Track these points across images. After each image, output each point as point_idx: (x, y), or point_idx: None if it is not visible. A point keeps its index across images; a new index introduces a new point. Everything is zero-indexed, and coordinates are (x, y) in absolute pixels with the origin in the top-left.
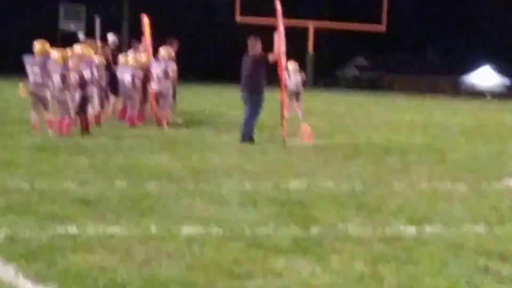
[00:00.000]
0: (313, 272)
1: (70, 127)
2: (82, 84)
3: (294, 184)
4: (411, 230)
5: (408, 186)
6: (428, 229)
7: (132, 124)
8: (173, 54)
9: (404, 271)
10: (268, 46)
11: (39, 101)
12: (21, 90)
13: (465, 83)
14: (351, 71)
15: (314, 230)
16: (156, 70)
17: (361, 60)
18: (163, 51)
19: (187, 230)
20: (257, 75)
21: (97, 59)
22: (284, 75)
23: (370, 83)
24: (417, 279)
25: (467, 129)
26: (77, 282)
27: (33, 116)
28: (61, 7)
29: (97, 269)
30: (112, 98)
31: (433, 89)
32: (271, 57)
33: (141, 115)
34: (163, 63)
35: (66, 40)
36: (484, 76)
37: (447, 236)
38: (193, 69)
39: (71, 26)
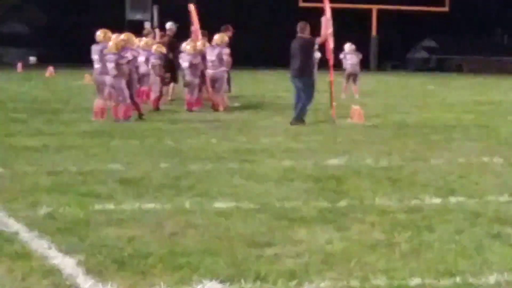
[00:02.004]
0: (330, 240)
1: (127, 113)
2: (131, 71)
3: (333, 162)
4: (435, 201)
5: (445, 161)
6: (452, 200)
7: (190, 109)
8: (226, 39)
9: (418, 238)
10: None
11: (102, 88)
12: (86, 78)
13: None
14: (420, 53)
15: (342, 203)
16: (211, 56)
17: (429, 42)
18: (217, 37)
19: (219, 204)
20: (306, 58)
21: (155, 47)
22: (331, 57)
23: (439, 65)
24: (429, 245)
25: None
26: (104, 252)
27: (96, 102)
28: None
29: (125, 240)
30: (171, 84)
31: (502, 70)
32: (318, 40)
33: (199, 100)
34: (217, 49)
35: (133, 30)
36: None
37: (468, 206)
38: (256, 54)
39: (138, 16)
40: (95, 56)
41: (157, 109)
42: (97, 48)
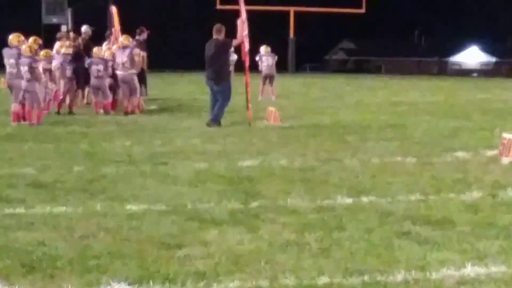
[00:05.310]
0: (241, 240)
1: (40, 117)
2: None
3: (248, 163)
4: (347, 201)
5: (359, 161)
6: (364, 199)
7: (106, 112)
8: (130, 39)
9: (329, 237)
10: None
11: (16, 92)
12: (1, 82)
13: (451, 64)
14: (338, 55)
15: (254, 204)
16: (121, 58)
17: (348, 44)
18: (121, 38)
19: (130, 207)
20: (221, 60)
21: (66, 50)
22: (247, 59)
23: (357, 67)
24: (338, 244)
25: (435, 107)
26: (12, 256)
27: (13, 106)
28: (43, 1)
29: (35, 244)
30: (86, 88)
31: (420, 71)
32: (234, 42)
33: (114, 103)
34: (127, 50)
35: (49, 33)
36: (471, 56)
37: (379, 205)
38: (173, 56)
39: (54, 20)
40: (11, 60)
41: (71, 112)
42: (11, 53)
